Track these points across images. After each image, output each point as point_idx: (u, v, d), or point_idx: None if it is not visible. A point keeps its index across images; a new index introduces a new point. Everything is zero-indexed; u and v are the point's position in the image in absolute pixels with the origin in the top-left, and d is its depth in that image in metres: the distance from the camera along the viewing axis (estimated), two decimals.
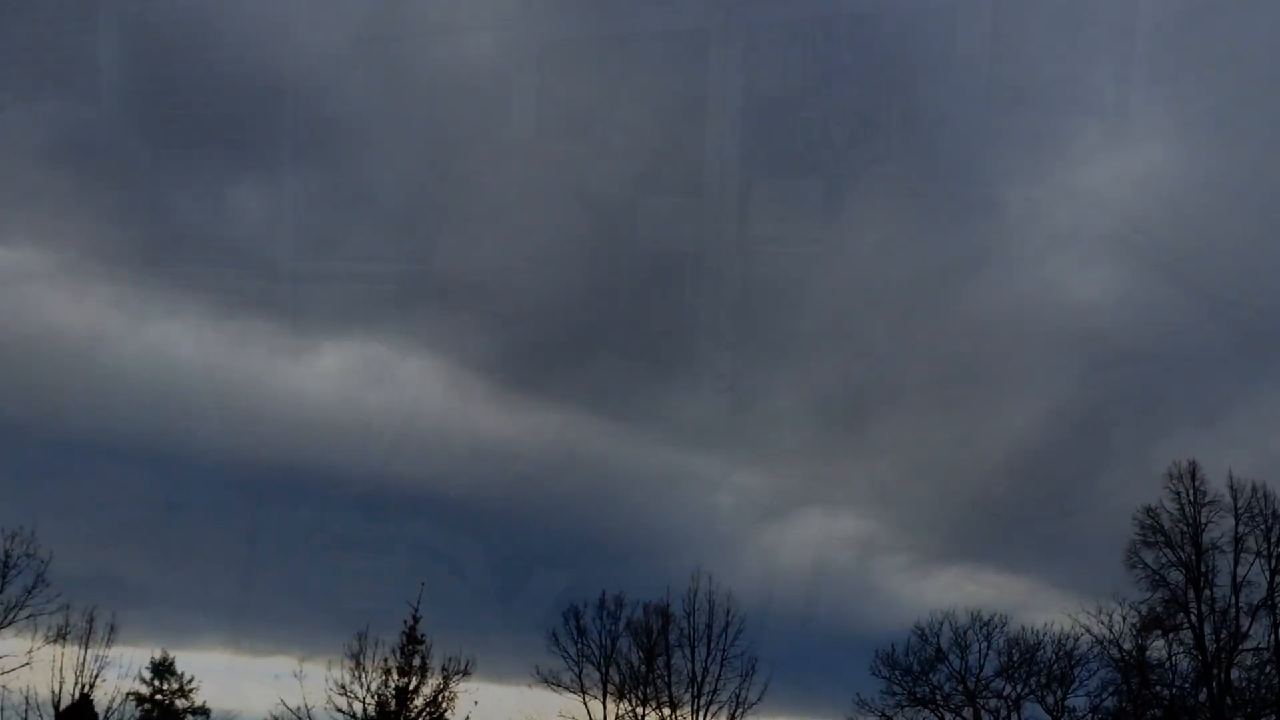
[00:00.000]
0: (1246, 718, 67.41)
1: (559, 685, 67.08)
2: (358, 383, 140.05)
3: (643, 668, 67.95)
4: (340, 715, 57.29)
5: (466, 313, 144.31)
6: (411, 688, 58.52)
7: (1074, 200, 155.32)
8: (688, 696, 67.75)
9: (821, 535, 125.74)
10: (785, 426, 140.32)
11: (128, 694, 66.31)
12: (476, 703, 60.36)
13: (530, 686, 67.05)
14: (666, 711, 67.45)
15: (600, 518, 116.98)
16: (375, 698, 57.97)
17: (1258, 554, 66.80)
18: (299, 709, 56.99)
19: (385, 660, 58.00)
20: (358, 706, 57.36)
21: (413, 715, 59.02)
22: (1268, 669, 67.07)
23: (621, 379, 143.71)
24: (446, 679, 59.52)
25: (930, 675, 71.46)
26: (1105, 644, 69.28)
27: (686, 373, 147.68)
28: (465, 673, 59.64)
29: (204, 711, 68.90)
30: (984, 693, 71.20)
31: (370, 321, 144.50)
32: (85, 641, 63.83)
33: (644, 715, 67.45)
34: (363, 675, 57.57)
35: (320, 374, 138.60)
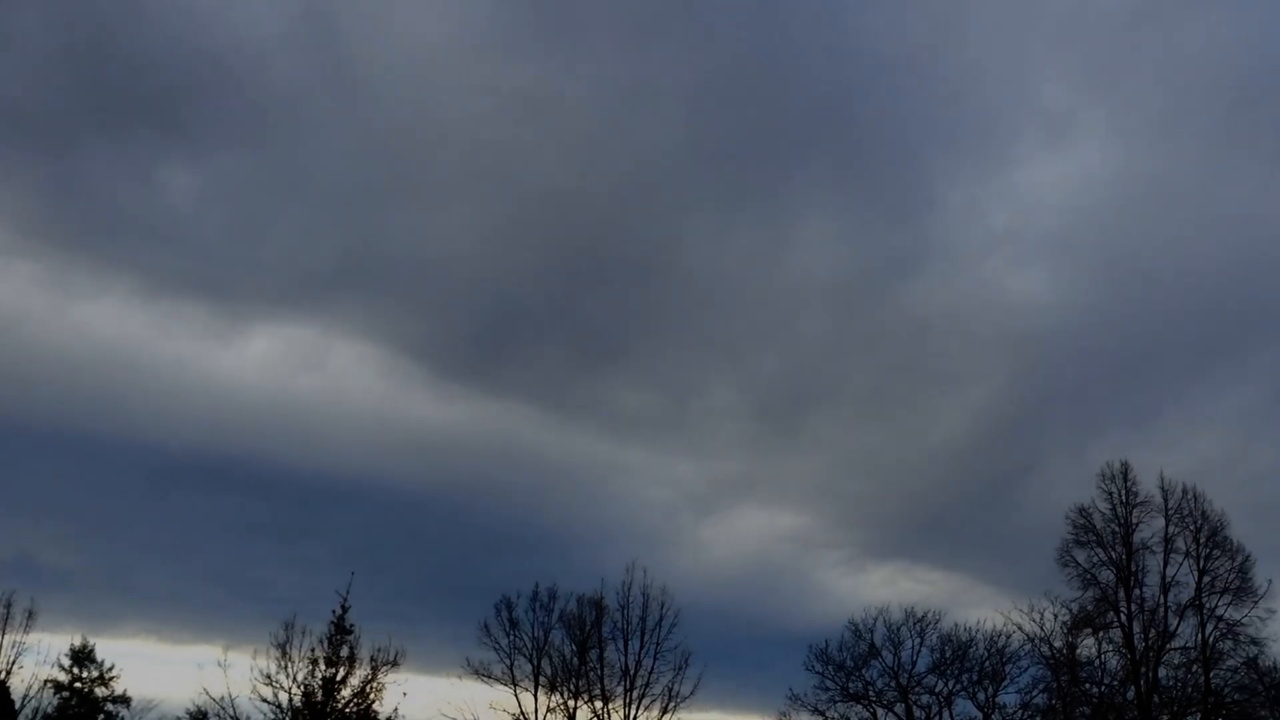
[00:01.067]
0: (1173, 716, 69.11)
1: (490, 677, 67.27)
2: (288, 368, 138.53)
3: (575, 660, 68.24)
4: (265, 705, 56.81)
5: (402, 299, 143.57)
6: (339, 678, 58.09)
7: (1013, 201, 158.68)
8: (620, 689, 68.28)
9: (758, 530, 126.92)
10: (723, 421, 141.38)
11: (45, 681, 65.41)
12: (405, 694, 60.15)
13: (460, 678, 67.05)
14: (599, 704, 67.84)
15: (535, 509, 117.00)
16: (301, 688, 57.47)
17: (1186, 554, 68.61)
18: (222, 698, 56.44)
19: (313, 650, 57.50)
20: (283, 697, 56.88)
21: (340, 706, 58.65)
22: (1194, 668, 68.70)
23: (560, 370, 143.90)
24: (375, 670, 59.12)
25: (863, 671, 72.88)
26: (1036, 641, 71.09)
27: (625, 366, 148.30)
28: (394, 663, 59.27)
29: (124, 700, 68.05)
30: (916, 689, 72.55)
31: (302, 306, 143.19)
32: (1, 627, 62.86)
33: (576, 708, 67.80)
34: (289, 665, 57.02)
35: (250, 358, 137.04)
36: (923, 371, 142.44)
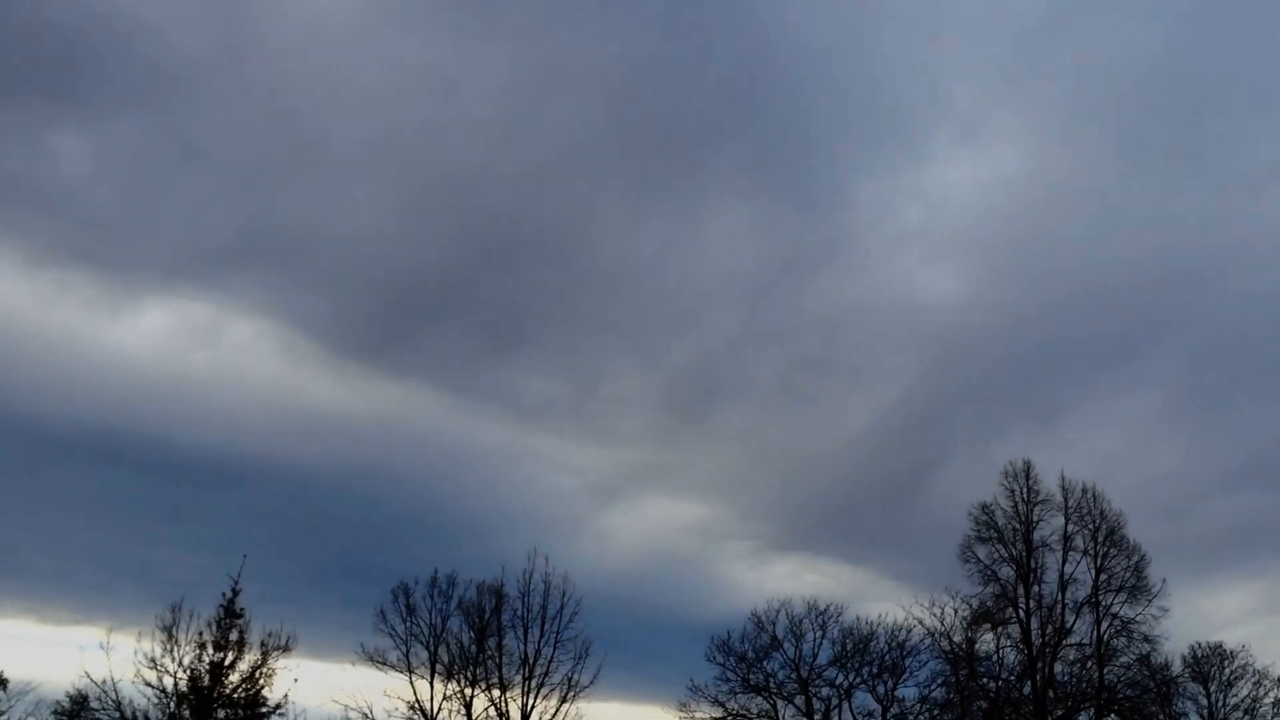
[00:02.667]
0: (1067, 711, 71.69)
1: (385, 664, 67.21)
2: (182, 343, 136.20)
3: (473, 648, 68.48)
4: (149, 690, 56.29)
5: (301, 276, 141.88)
6: (227, 663, 57.73)
7: (925, 198, 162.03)
8: (519, 678, 68.59)
9: (663, 520, 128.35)
10: (630, 410, 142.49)
11: None
12: (296, 680, 59.96)
13: (354, 664, 67.03)
14: (496, 693, 68.14)
15: (436, 494, 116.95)
16: (187, 672, 57.00)
17: (1084, 553, 71.39)
18: (104, 682, 55.77)
19: (200, 634, 57.04)
20: (168, 681, 56.35)
21: (227, 691, 58.36)
22: (1088, 664, 71.52)
23: (465, 354, 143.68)
24: (265, 655, 58.76)
25: (764, 663, 74.20)
26: (936, 636, 73.25)
27: (532, 351, 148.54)
28: (285, 649, 58.96)
29: (1, 681, 66.92)
30: (817, 681, 74.09)
31: (197, 280, 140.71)
32: None
33: (472, 697, 68.10)
34: (175, 649, 56.47)
35: (142, 332, 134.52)
36: (831, 365, 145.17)
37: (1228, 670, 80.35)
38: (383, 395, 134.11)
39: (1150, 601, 70.28)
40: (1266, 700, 79.75)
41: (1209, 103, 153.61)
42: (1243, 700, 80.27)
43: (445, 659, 68.19)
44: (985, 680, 73.87)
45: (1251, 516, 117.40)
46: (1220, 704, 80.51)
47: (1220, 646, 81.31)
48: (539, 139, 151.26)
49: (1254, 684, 79.95)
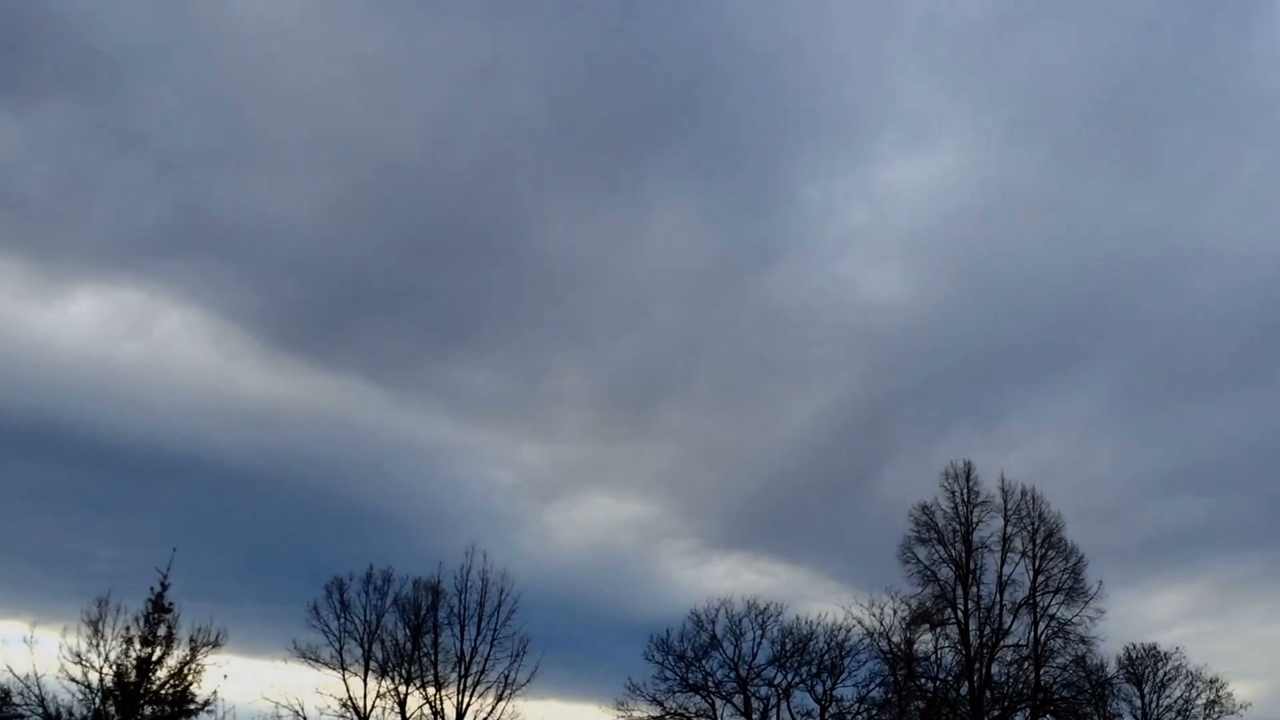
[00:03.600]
0: (1003, 711, 72.97)
1: (318, 661, 66.86)
2: (113, 332, 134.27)
3: (409, 645, 68.37)
4: (74, 685, 55.61)
5: (237, 266, 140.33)
6: (155, 658, 57.13)
7: (871, 198, 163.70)
8: (454, 676, 68.56)
9: (603, 517, 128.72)
10: (572, 406, 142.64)
11: None
12: (226, 676, 59.33)
13: (286, 661, 66.55)
14: (431, 691, 68.08)
15: (372, 488, 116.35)
16: (114, 668, 56.37)
17: (1023, 554, 72.76)
18: (27, 677, 55.01)
19: (128, 628, 56.31)
20: (93, 677, 55.67)
21: (155, 687, 57.81)
22: (1025, 665, 72.81)
23: (404, 347, 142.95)
24: (194, 650, 58.11)
25: (703, 661, 74.76)
26: (875, 636, 74.24)
27: (473, 346, 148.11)
28: (215, 644, 58.12)
29: None
30: (756, 680, 74.82)
31: (131, 267, 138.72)
32: None
33: (407, 694, 67.95)
34: (101, 644, 55.73)
35: (72, 320, 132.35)
36: (775, 365, 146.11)
37: (1161, 672, 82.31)
38: (319, 388, 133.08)
39: (1087, 603, 71.82)
40: (1199, 702, 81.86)
41: (1153, 110, 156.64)
42: (1175, 701, 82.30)
43: (380, 656, 68.06)
44: (923, 680, 74.99)
45: (1186, 520, 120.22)
46: (1154, 705, 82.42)
47: (1155, 648, 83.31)
48: (483, 133, 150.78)
49: (1187, 685, 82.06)
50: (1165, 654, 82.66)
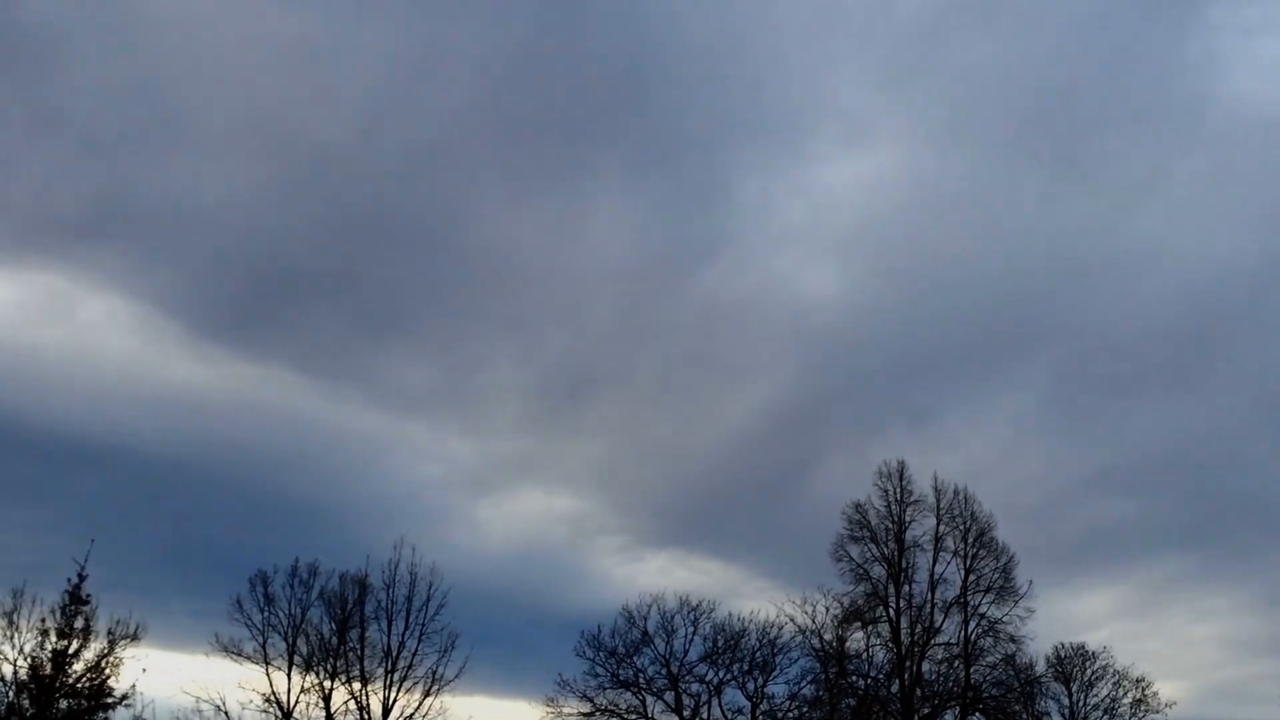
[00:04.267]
0: (933, 709, 73.81)
1: (240, 655, 66.13)
2: (33, 317, 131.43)
3: (334, 640, 67.75)
4: None
5: (162, 252, 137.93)
6: (71, 651, 56.27)
7: (809, 197, 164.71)
8: (381, 671, 68.09)
9: (535, 512, 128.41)
10: (505, 400, 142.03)
11: None
12: (145, 670, 58.69)
13: (208, 655, 65.82)
14: (356, 686, 67.58)
15: (300, 480, 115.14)
16: (29, 660, 55.49)
17: (955, 553, 73.70)
18: None
19: (43, 620, 55.45)
20: (6, 669, 54.76)
21: (71, 681, 56.90)
22: (956, 663, 73.76)
23: (334, 337, 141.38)
24: (112, 643, 57.45)
25: (635, 658, 74.62)
26: (807, 633, 74.67)
27: (405, 337, 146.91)
28: (134, 637, 57.56)
29: None
30: (687, 677, 74.80)
31: (51, 251, 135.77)
32: None
33: (332, 689, 67.38)
34: (15, 636, 54.85)
35: None
36: (711, 361, 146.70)
37: (1089, 671, 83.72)
38: (245, 378, 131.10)
39: (1017, 602, 73.05)
40: (1125, 700, 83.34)
41: (1088, 115, 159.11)
42: (1103, 700, 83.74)
43: (304, 650, 67.42)
44: (854, 678, 75.65)
45: (1115, 521, 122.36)
46: (1081, 703, 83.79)
47: (1083, 647, 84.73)
48: (418, 121, 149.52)
49: (1114, 684, 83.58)
50: (1093, 653, 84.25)
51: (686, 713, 73.81)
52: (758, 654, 74.71)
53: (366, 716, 67.46)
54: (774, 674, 75.06)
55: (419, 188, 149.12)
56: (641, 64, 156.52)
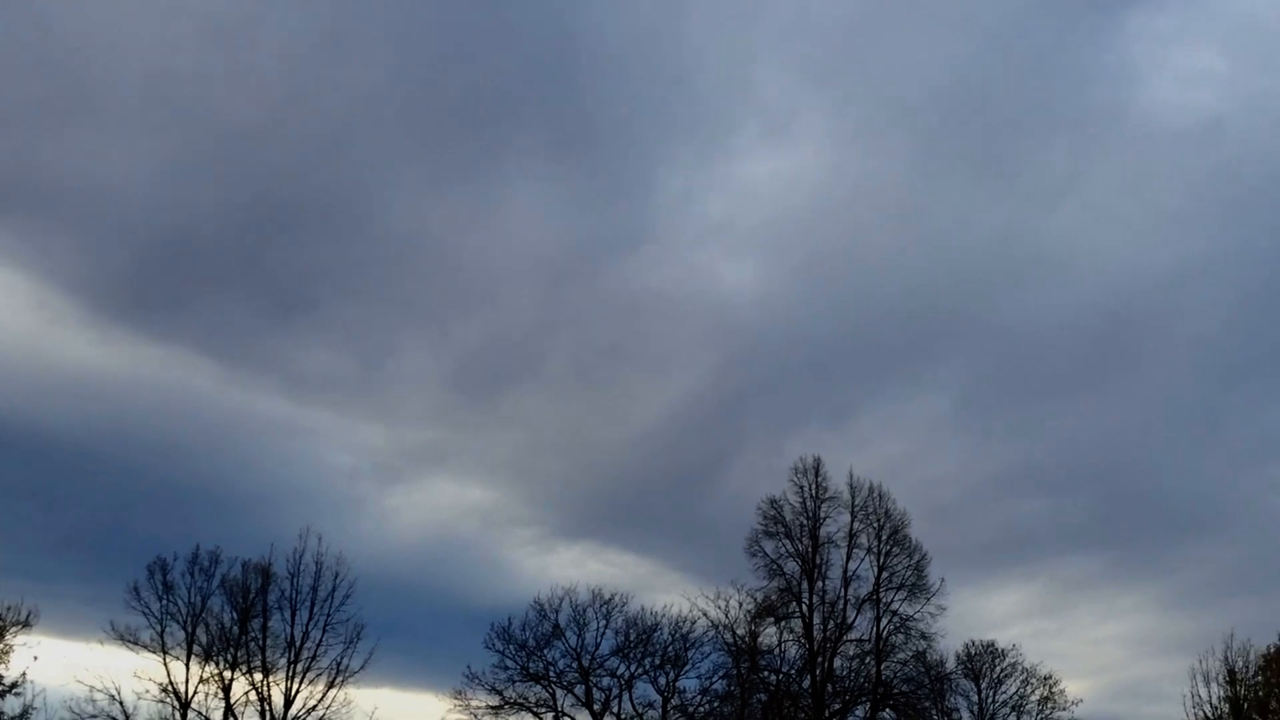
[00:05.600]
0: (844, 705, 74.59)
1: (137, 644, 64.92)
2: None
3: (235, 629, 66.82)
4: None
5: (61, 229, 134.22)
6: None
7: (730, 191, 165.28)
8: (284, 662, 67.33)
9: (447, 503, 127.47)
10: (417, 388, 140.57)
11: None
12: (36, 658, 57.87)
13: (103, 644, 64.52)
14: (258, 677, 66.72)
15: (202, 465, 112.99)
16: None
17: (868, 550, 74.58)
18: None
19: None
20: None
21: None
22: (867, 659, 74.62)
23: (240, 320, 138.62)
24: (2, 630, 56.47)
25: (545, 651, 74.65)
26: (720, 628, 75.05)
27: (314, 322, 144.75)
28: (25, 624, 56.86)
29: None
30: (598, 671, 75.02)
31: None
32: None
33: (232, 680, 66.48)
34: None
35: None
36: (629, 353, 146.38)
37: (998, 668, 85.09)
38: (147, 359, 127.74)
39: (929, 600, 74.04)
40: (1033, 697, 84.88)
41: (1008, 117, 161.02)
42: (1011, 697, 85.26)
43: (204, 640, 66.43)
44: (766, 673, 76.27)
45: (1026, 521, 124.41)
46: (990, 700, 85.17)
47: (992, 645, 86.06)
48: (331, 101, 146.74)
49: (1022, 682, 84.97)
50: (1002, 651, 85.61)
51: (597, 706, 73.98)
52: (670, 648, 75.22)
53: (268, 708, 66.76)
54: (686, 668, 75.71)
55: (332, 169, 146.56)
56: (563, 52, 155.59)
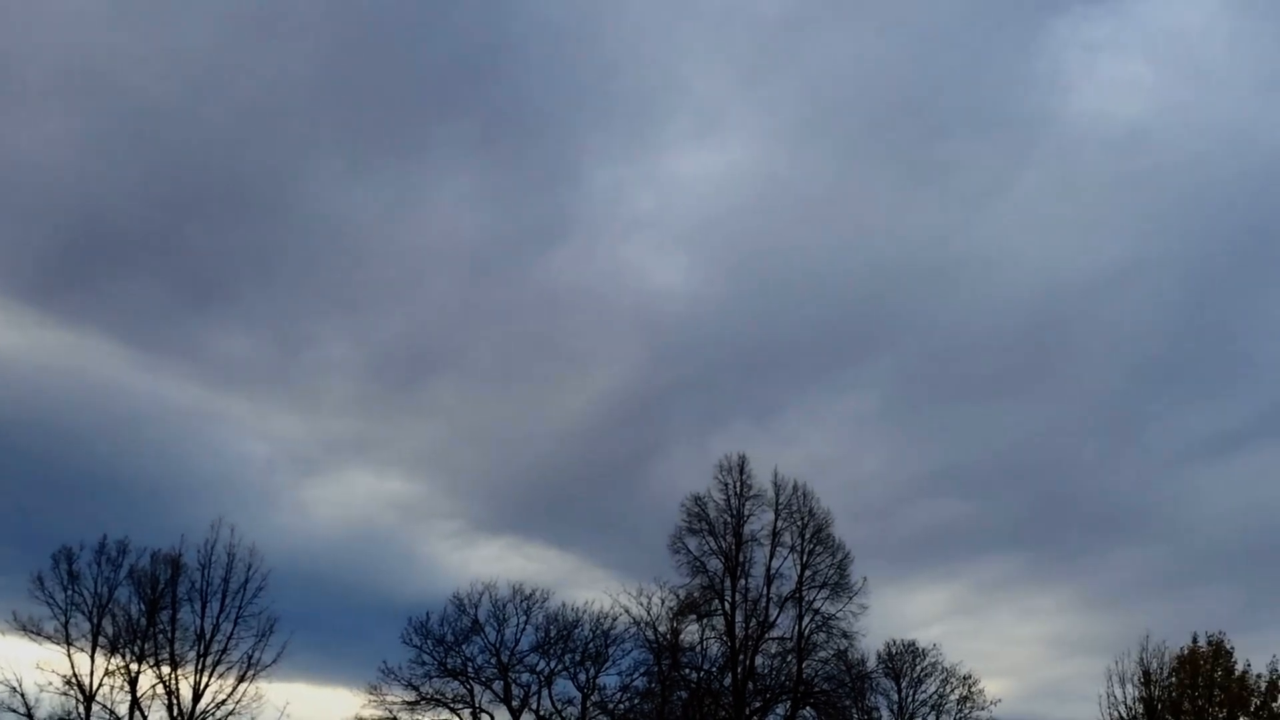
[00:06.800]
0: (765, 703, 74.90)
1: (40, 634, 64.04)
2: None
3: (143, 621, 65.98)
4: None
5: None
6: None
7: (659, 186, 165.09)
8: (193, 655, 66.61)
9: (366, 494, 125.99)
10: (337, 377, 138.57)
11: None
12: None
13: (4, 634, 63.62)
14: (166, 669, 65.86)
15: (112, 453, 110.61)
16: None
17: (792, 549, 74.93)
18: None
19: None
20: None
21: None
22: (789, 657, 75.04)
23: (152, 305, 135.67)
24: None
25: (464, 646, 74.08)
26: (642, 625, 74.96)
27: (230, 308, 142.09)
28: None
29: None
30: (517, 667, 74.65)
31: None
32: None
33: (139, 672, 65.57)
34: None
35: None
36: (554, 347, 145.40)
37: (919, 667, 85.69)
38: (54, 343, 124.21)
39: (851, 599, 74.56)
40: (952, 697, 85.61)
41: (939, 120, 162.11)
42: (930, 696, 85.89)
43: (110, 632, 65.61)
44: (687, 671, 76.25)
45: (950, 521, 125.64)
46: (910, 699, 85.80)
47: (913, 644, 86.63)
48: (253, 81, 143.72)
49: (941, 681, 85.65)
50: (923, 650, 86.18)
51: (515, 703, 73.60)
52: (591, 645, 75.03)
53: (175, 701, 65.94)
54: (606, 665, 75.59)
55: (252, 152, 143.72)
56: (491, 39, 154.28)
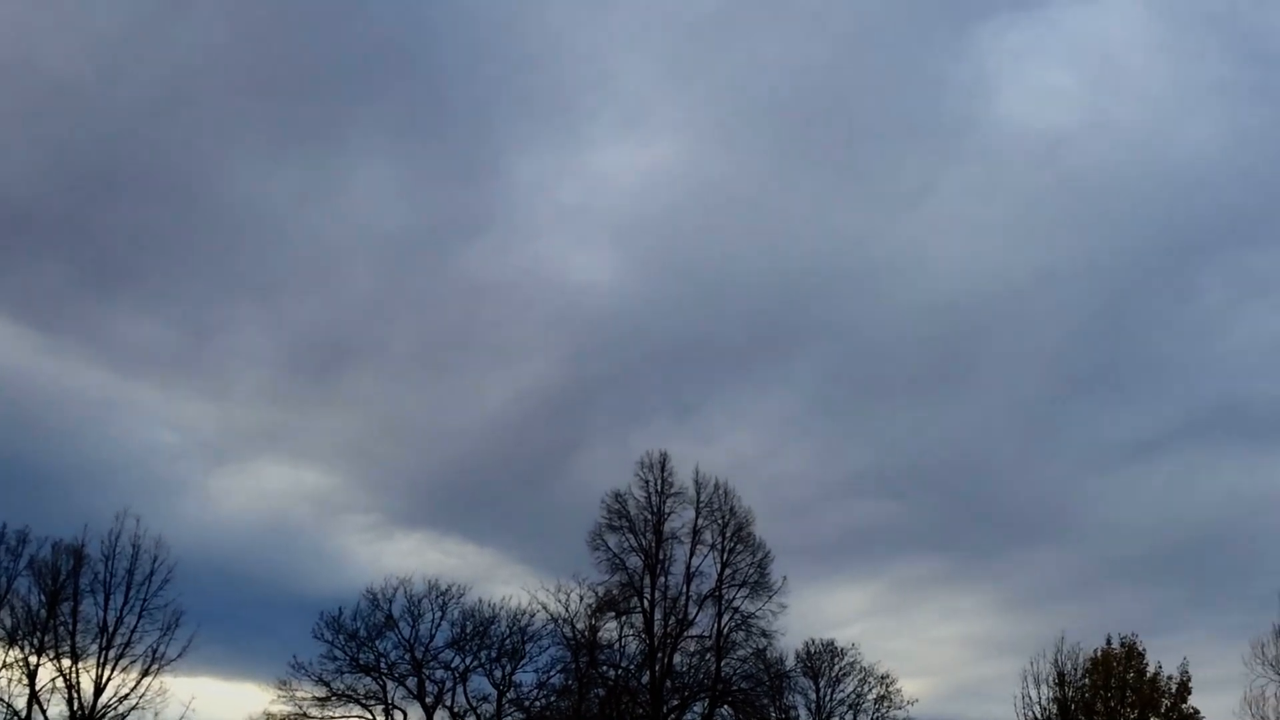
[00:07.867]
0: (682, 701, 74.89)
1: None
2: None
3: (43, 612, 64.47)
4: None
5: None
6: None
7: (584, 181, 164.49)
8: (95, 648, 65.23)
9: (278, 486, 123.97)
10: (249, 366, 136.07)
11: None
12: None
13: None
14: (66, 663, 64.36)
15: (10, 439, 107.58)
16: None
17: (712, 547, 75.07)
18: None
19: None
20: None
21: None
22: (707, 656, 75.13)
23: (55, 285, 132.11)
24: None
25: (377, 642, 73.62)
26: (560, 622, 74.90)
27: (137, 292, 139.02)
28: None
29: None
30: (432, 663, 74.33)
31: None
32: None
33: (38, 665, 64.05)
34: None
35: None
36: (474, 340, 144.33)
37: (837, 666, 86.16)
38: None
39: (770, 598, 74.83)
40: (869, 696, 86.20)
41: (863, 123, 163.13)
42: (848, 695, 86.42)
43: (8, 623, 64.10)
44: (605, 668, 76.13)
45: (869, 521, 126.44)
46: (828, 698, 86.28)
47: (832, 644, 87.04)
48: (165, 61, 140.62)
49: (859, 680, 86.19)
50: (841, 650, 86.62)
51: (429, 700, 73.05)
52: (507, 641, 75.11)
53: (76, 695, 64.52)
54: (523, 662, 75.63)
55: (162, 133, 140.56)
56: (414, 26, 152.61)
